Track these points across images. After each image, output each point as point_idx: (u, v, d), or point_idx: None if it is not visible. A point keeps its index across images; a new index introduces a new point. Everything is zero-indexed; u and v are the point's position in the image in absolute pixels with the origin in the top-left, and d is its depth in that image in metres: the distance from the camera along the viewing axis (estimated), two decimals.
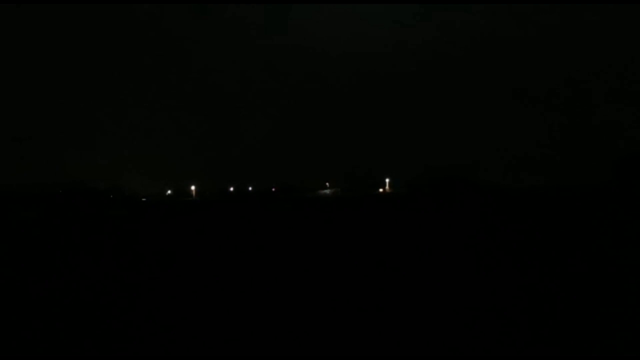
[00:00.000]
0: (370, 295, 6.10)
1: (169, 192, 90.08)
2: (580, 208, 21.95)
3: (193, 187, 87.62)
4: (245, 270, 8.27)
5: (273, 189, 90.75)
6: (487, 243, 10.87)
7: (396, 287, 6.57)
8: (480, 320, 4.92)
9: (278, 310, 5.56)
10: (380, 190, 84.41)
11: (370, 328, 4.78)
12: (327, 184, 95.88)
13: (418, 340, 4.43)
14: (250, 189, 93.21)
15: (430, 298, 5.89)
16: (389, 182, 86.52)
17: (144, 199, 72.45)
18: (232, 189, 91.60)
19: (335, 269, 8.08)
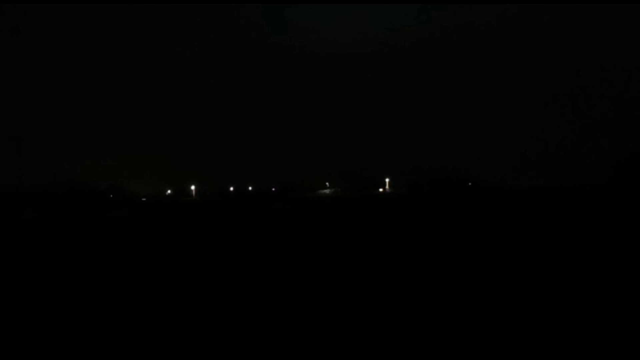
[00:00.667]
0: (370, 296, 6.10)
1: (169, 192, 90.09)
2: (580, 208, 21.96)
3: (193, 187, 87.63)
4: (245, 270, 8.27)
5: (273, 189, 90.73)
6: (487, 243, 10.88)
7: (396, 287, 6.57)
8: (480, 321, 4.92)
9: (278, 310, 5.56)
10: (380, 190, 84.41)
11: (371, 328, 4.78)
12: (327, 184, 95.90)
13: (418, 340, 4.43)
14: (250, 189, 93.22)
15: (430, 298, 5.89)
16: (389, 182, 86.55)
17: (143, 199, 72.47)
18: (232, 188, 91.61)
19: (336, 270, 8.08)
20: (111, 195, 70.09)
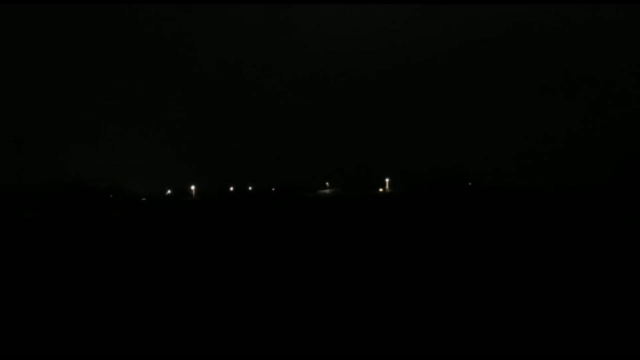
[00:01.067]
0: (370, 296, 6.10)
1: (169, 192, 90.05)
2: (581, 208, 21.96)
3: (193, 187, 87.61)
4: (245, 271, 8.28)
5: (273, 189, 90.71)
6: (487, 243, 10.88)
7: (396, 287, 6.57)
8: (480, 320, 4.92)
9: (278, 310, 5.56)
10: (380, 190, 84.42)
11: (371, 328, 4.78)
12: (327, 184, 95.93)
13: (418, 340, 4.43)
14: (250, 189, 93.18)
15: (430, 298, 5.89)
16: (389, 182, 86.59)
17: (143, 199, 72.42)
18: (232, 188, 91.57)
19: (336, 270, 8.08)
20: (111, 195, 69.98)
